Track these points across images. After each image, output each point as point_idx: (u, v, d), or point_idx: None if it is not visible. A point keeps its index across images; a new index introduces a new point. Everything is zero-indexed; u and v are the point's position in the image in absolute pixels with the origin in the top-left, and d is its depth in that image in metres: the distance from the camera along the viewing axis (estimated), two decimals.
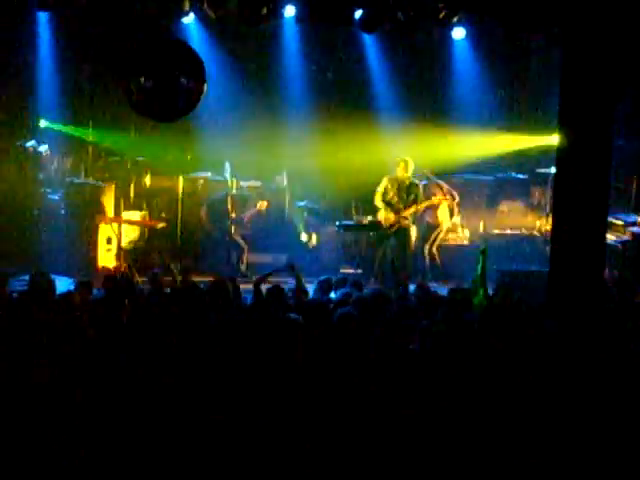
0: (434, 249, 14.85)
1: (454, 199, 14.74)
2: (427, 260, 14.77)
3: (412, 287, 10.16)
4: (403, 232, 14.21)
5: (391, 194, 14.16)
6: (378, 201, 14.22)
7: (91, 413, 5.79)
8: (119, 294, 8.63)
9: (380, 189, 14.21)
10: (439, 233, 14.88)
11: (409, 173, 14.19)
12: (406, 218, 14.16)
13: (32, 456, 5.55)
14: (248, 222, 14.88)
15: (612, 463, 5.76)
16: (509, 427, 5.92)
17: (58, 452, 5.56)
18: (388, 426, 5.86)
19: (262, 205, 14.88)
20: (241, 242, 14.64)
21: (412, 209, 14.17)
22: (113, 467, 5.58)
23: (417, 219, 14.63)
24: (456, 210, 14.96)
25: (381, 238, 14.30)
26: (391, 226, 14.14)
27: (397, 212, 14.10)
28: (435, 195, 14.63)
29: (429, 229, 14.94)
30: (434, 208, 14.82)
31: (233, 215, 14.70)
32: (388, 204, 14.15)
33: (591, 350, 6.97)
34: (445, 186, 14.74)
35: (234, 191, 14.87)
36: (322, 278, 9.97)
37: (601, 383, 6.30)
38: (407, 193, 14.18)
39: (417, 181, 14.35)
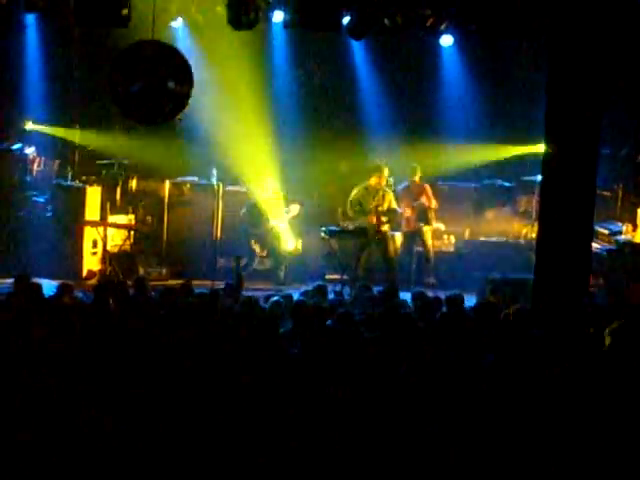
0: (429, 252, 14.85)
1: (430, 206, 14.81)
2: (414, 265, 14.80)
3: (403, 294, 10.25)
4: (386, 238, 14.27)
5: (363, 201, 14.20)
6: (350, 211, 14.28)
7: (80, 415, 5.79)
8: (109, 299, 8.63)
9: (352, 197, 14.26)
10: (424, 235, 14.86)
11: (383, 182, 14.24)
12: (383, 222, 14.17)
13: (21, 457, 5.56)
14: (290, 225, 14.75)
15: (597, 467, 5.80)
16: (498, 431, 5.96)
17: (46, 452, 5.57)
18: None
19: (296, 208, 14.77)
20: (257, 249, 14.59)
21: (388, 218, 14.22)
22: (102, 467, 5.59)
23: (398, 226, 14.65)
24: (433, 217, 14.95)
25: (367, 244, 14.30)
26: (377, 228, 14.15)
27: (373, 213, 14.13)
28: (419, 199, 14.64)
29: (410, 234, 14.92)
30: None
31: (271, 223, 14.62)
32: (361, 211, 14.19)
33: (576, 356, 6.99)
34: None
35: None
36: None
37: (586, 390, 6.32)
38: (381, 202, 14.22)
39: (388, 189, 14.38)
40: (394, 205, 14.33)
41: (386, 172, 14.28)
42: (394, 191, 14.60)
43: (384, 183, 14.28)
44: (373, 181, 14.24)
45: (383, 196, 14.26)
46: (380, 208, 14.18)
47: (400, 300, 9.70)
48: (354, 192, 14.35)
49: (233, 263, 12.78)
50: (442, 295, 9.79)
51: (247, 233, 14.54)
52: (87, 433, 5.71)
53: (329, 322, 7.77)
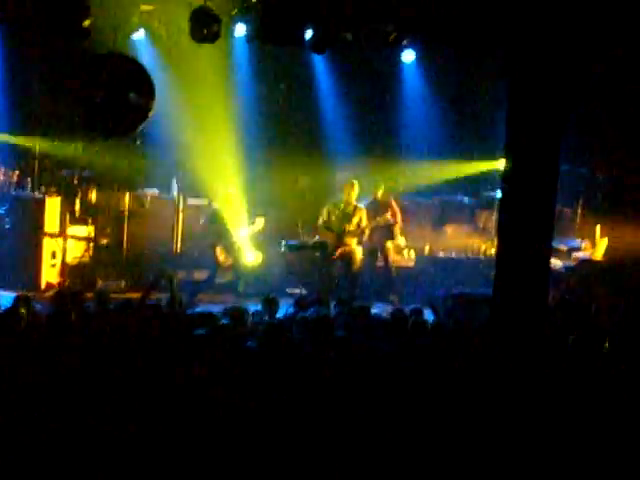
0: (391, 265, 14.85)
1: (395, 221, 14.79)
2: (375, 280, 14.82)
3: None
4: (351, 255, 14.29)
5: (333, 220, 14.25)
6: (320, 230, 14.35)
7: (41, 428, 5.76)
8: (67, 310, 8.56)
9: (322, 217, 14.32)
10: (386, 251, 14.85)
11: (354, 197, 14.29)
12: (348, 245, 14.23)
13: None
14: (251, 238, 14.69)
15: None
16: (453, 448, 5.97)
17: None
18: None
19: (261, 222, 14.71)
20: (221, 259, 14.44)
21: (355, 236, 14.25)
22: None
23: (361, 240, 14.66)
24: (398, 232, 14.97)
25: (327, 258, 14.32)
26: (335, 250, 14.21)
27: (339, 237, 14.18)
28: (384, 214, 14.60)
29: (372, 249, 14.91)
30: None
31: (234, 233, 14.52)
32: (329, 229, 14.25)
33: (533, 372, 7.02)
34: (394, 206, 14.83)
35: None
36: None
37: (544, 406, 6.35)
38: (350, 218, 14.25)
39: (361, 205, 14.42)
40: (364, 222, 14.32)
41: (356, 188, 14.32)
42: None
43: (355, 199, 14.31)
44: (344, 197, 14.29)
45: (354, 212, 14.28)
46: (349, 227, 14.21)
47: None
48: (325, 208, 14.38)
49: (166, 281, 10.73)
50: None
51: (210, 244, 14.41)
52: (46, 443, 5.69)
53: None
